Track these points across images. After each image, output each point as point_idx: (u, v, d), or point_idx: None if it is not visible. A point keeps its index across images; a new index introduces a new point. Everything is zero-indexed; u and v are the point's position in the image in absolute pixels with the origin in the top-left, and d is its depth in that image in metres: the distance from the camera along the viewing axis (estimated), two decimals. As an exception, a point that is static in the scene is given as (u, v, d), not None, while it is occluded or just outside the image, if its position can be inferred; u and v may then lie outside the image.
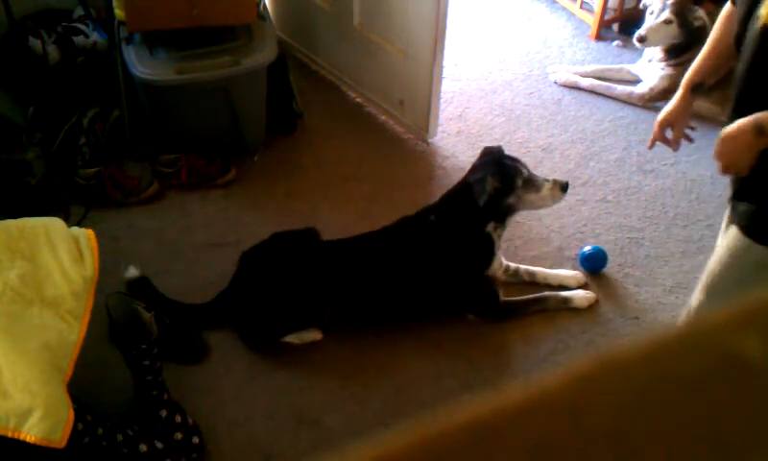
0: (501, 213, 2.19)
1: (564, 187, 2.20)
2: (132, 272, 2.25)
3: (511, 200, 2.17)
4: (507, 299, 2.34)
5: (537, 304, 2.34)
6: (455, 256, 2.22)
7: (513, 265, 2.42)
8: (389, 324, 2.28)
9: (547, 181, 2.21)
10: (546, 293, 2.37)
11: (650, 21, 3.11)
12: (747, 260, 1.51)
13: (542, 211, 2.53)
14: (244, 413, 2.04)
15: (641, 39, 3.10)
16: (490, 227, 2.20)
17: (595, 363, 0.33)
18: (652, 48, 3.19)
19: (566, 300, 2.34)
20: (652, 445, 0.30)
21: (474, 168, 2.24)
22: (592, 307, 2.36)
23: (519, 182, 2.17)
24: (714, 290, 1.64)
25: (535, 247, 2.54)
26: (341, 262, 2.23)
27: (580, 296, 2.35)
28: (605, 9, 3.59)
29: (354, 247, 2.27)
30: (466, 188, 2.20)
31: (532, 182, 2.19)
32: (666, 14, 3.06)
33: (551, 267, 2.46)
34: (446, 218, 2.22)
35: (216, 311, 2.24)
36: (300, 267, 2.20)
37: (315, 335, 2.20)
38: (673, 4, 3.06)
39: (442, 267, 2.21)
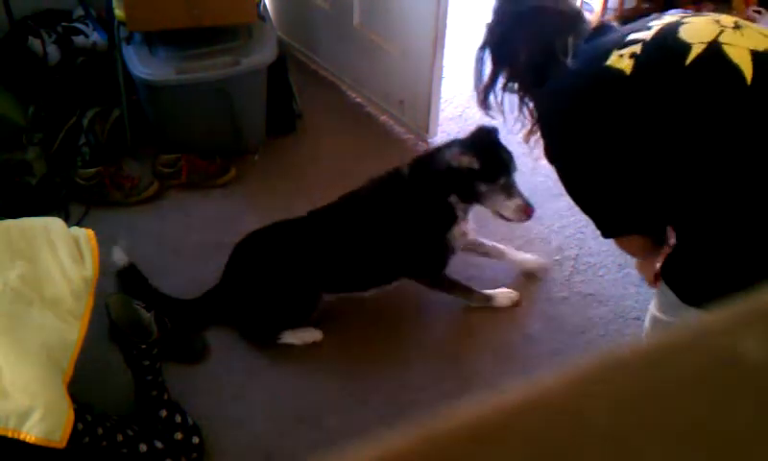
0: (467, 193, 2.12)
1: (529, 215, 2.14)
2: (120, 256, 2.19)
3: (482, 189, 2.10)
4: (448, 274, 2.30)
5: (463, 292, 2.31)
6: (419, 214, 2.16)
7: (487, 243, 2.40)
8: (369, 288, 2.24)
9: (521, 197, 2.13)
10: (474, 289, 2.33)
11: None
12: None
13: (543, 211, 2.52)
14: (244, 413, 2.04)
15: None
16: (453, 198, 2.13)
17: (595, 363, 0.33)
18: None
19: (489, 298, 2.33)
20: (652, 445, 0.30)
21: (464, 140, 2.18)
22: (587, 307, 2.35)
23: (501, 181, 2.10)
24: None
25: (535, 247, 2.53)
26: (318, 242, 2.19)
27: (502, 294, 2.34)
28: (605, 9, 3.58)
29: (326, 220, 2.23)
30: (439, 152, 2.16)
31: (508, 188, 2.12)
32: None
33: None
34: (416, 176, 2.17)
35: (206, 307, 2.23)
36: (280, 260, 2.19)
37: (315, 336, 2.20)
38: None
39: (406, 225, 2.17)
